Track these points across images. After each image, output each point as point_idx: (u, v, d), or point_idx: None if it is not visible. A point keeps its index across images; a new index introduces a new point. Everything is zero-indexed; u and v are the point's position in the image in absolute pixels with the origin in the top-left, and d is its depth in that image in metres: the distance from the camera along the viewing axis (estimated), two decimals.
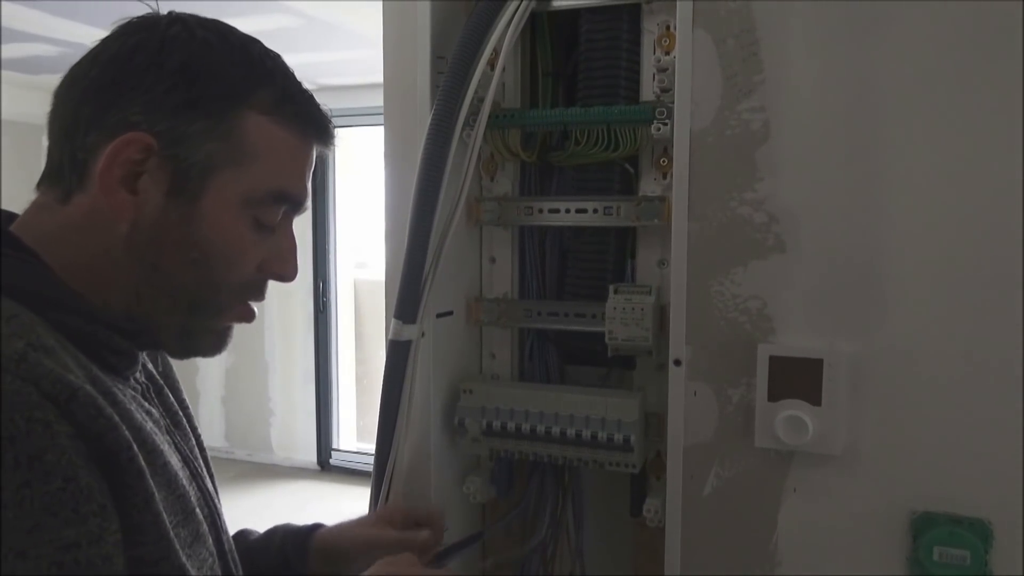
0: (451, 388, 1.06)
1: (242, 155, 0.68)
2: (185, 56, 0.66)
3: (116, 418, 0.59)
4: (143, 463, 0.61)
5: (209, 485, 0.77)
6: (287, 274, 0.75)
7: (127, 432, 0.60)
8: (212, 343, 0.73)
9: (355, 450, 4.97)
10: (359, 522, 0.94)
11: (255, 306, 0.75)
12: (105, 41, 0.68)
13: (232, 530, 0.82)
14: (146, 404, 0.71)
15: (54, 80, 0.69)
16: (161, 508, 0.62)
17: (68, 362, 0.59)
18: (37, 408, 0.54)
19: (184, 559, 0.64)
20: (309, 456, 4.99)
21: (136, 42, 0.66)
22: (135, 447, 0.60)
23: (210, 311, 0.71)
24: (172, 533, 0.63)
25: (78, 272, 0.66)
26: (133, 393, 0.69)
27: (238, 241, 0.69)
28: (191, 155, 0.66)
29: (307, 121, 0.72)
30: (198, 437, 0.82)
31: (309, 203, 0.76)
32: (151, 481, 0.61)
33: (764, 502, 0.89)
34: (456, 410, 1.05)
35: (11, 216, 0.70)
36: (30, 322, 0.59)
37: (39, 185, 0.69)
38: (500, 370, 1.12)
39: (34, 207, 0.69)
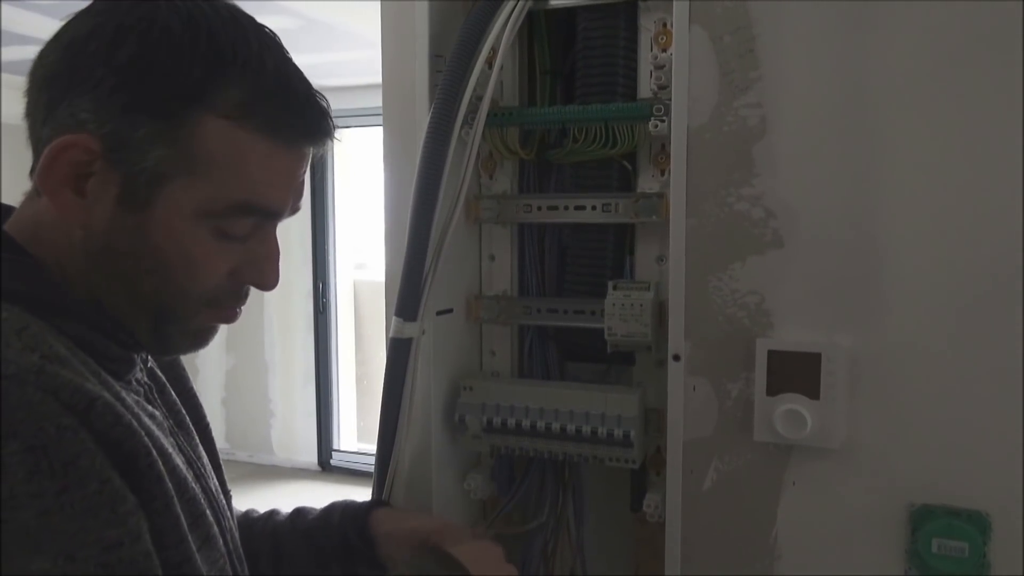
0: (451, 385, 1.07)
1: (196, 164, 0.61)
2: (136, 48, 0.59)
3: (135, 424, 0.59)
4: (161, 467, 0.60)
5: (213, 484, 0.76)
6: (264, 283, 0.69)
7: (145, 437, 0.59)
8: (189, 343, 0.70)
9: (356, 450, 4.98)
10: (407, 537, 0.89)
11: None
12: (71, 19, 0.63)
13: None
14: (149, 407, 0.69)
15: None
16: (180, 511, 0.62)
17: (82, 369, 0.59)
18: (63, 415, 0.54)
19: (200, 562, 0.64)
20: (310, 457, 5.00)
21: (93, 26, 0.60)
22: (153, 451, 0.60)
23: (178, 317, 0.67)
24: (190, 536, 0.63)
25: (52, 269, 0.64)
26: (135, 397, 0.68)
27: (196, 251, 0.64)
28: (139, 160, 0.60)
29: (285, 124, 0.64)
30: (205, 430, 0.80)
31: (299, 206, 0.70)
32: (168, 484, 0.61)
33: (763, 496, 0.90)
34: (456, 407, 1.06)
35: (8, 209, 0.69)
36: (40, 332, 0.58)
37: (31, 172, 0.66)
38: (500, 367, 1.12)
39: (25, 196, 0.67)
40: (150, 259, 0.63)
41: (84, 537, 0.53)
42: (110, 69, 0.59)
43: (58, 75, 0.61)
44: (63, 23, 0.63)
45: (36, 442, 0.52)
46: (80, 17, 0.62)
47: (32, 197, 0.66)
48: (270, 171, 0.65)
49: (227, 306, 0.69)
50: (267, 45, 0.64)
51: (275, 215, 0.67)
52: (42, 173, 0.61)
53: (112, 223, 0.62)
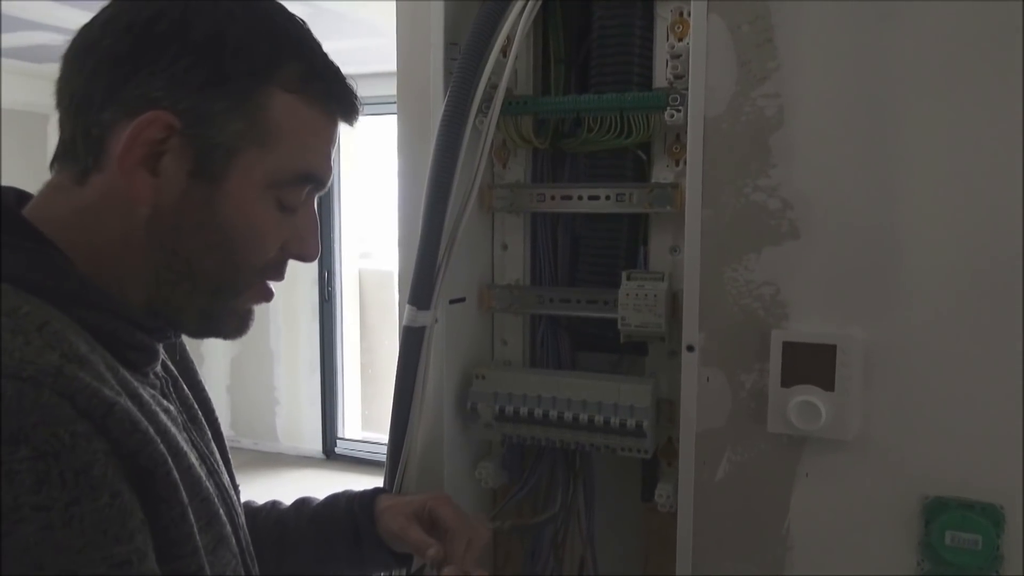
0: (463, 374, 1.07)
1: (267, 135, 0.65)
2: (209, 28, 0.63)
3: (151, 431, 0.57)
4: (177, 475, 0.59)
5: (225, 479, 0.75)
6: (308, 254, 0.73)
7: (161, 445, 0.58)
8: (234, 325, 0.71)
9: (360, 439, 4.99)
10: (404, 505, 0.91)
11: (274, 286, 0.73)
12: (119, 5, 0.64)
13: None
14: (164, 401, 0.68)
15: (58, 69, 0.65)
16: (193, 520, 0.60)
17: (102, 371, 0.57)
18: (78, 422, 0.52)
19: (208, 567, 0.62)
20: (314, 445, 5.01)
21: (156, 10, 0.62)
22: (170, 460, 0.58)
23: (230, 293, 0.69)
24: (201, 544, 0.61)
25: (94, 257, 0.63)
26: (152, 391, 0.67)
27: (261, 223, 0.67)
28: (216, 135, 0.63)
29: (333, 98, 0.70)
30: (215, 423, 0.80)
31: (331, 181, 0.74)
32: (184, 492, 0.59)
33: (776, 487, 0.90)
34: (468, 395, 1.06)
35: (21, 195, 0.67)
36: (62, 329, 0.57)
37: (53, 164, 0.66)
38: (512, 356, 1.12)
39: (49, 188, 0.66)
40: (218, 232, 0.66)
41: (91, 554, 0.51)
42: (184, 48, 0.62)
43: (119, 58, 0.62)
44: (111, 8, 0.64)
45: (48, 448, 0.50)
46: (133, 2, 0.64)
47: (64, 187, 0.65)
48: (321, 141, 0.70)
49: (269, 280, 0.72)
50: (306, 28, 0.70)
51: (323, 184, 0.72)
52: (123, 154, 0.61)
53: (183, 198, 0.64)
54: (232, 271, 0.68)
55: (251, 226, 0.67)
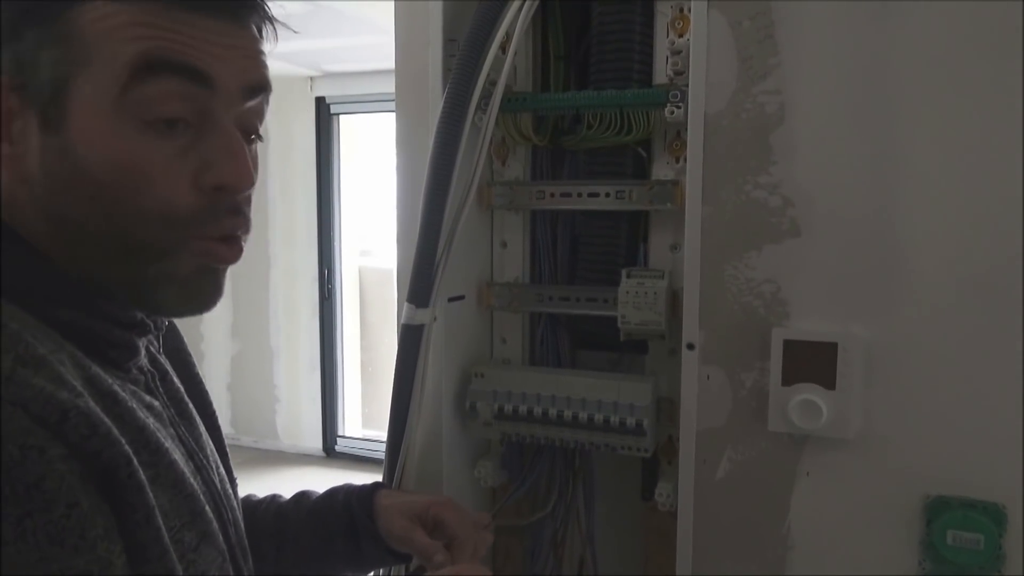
0: (462, 372, 1.06)
1: (88, 51, 0.56)
2: None
3: (114, 433, 0.55)
4: (143, 477, 0.57)
5: (216, 476, 0.73)
6: (226, 181, 0.60)
7: (126, 446, 0.56)
8: (184, 295, 0.62)
9: (360, 437, 4.99)
10: (407, 507, 0.90)
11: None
12: None
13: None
14: (147, 397, 0.66)
15: None
16: (161, 522, 0.58)
17: (61, 372, 0.54)
18: (30, 434, 0.50)
19: (182, 570, 0.60)
20: (314, 443, 5.01)
21: None
22: (134, 461, 0.56)
23: (151, 253, 0.60)
24: (171, 544, 0.59)
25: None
26: (134, 388, 0.64)
27: (128, 155, 0.57)
28: (38, 74, 0.56)
29: None
30: (211, 417, 0.78)
31: (258, 83, 0.62)
32: (150, 494, 0.57)
33: (777, 486, 0.89)
34: (468, 394, 1.05)
35: None
36: (17, 331, 0.54)
37: None
38: (511, 354, 1.12)
39: None
40: (85, 179, 0.57)
41: (47, 567, 0.49)
42: None
43: None
44: None
45: None
46: None
47: None
48: (155, 28, 0.57)
49: (211, 228, 0.61)
50: None
51: (199, 74, 0.58)
52: None
53: (43, 159, 0.58)
54: (133, 225, 0.59)
55: (116, 164, 0.57)
